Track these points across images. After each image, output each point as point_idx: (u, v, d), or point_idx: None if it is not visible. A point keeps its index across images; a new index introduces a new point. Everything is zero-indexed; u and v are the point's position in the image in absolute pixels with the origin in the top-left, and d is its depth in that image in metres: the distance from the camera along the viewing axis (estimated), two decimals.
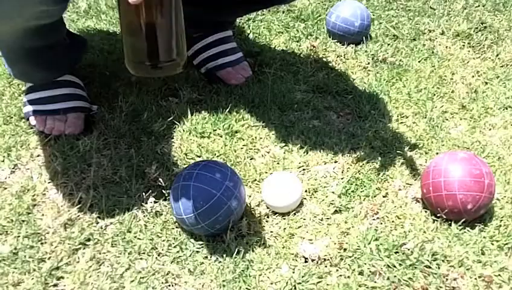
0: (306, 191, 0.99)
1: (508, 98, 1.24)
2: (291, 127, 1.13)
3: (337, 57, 1.35)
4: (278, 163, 1.04)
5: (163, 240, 0.89)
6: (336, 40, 1.39)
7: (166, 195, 0.95)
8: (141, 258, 0.87)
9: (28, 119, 1.10)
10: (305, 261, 0.87)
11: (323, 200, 0.98)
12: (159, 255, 0.88)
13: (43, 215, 0.93)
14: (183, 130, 1.10)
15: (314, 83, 1.25)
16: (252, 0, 1.19)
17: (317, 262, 0.87)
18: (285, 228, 0.92)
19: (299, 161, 1.05)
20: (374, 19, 1.49)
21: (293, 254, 0.88)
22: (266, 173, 1.02)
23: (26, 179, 0.99)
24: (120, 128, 1.08)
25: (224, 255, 0.87)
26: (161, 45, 0.73)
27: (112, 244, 0.89)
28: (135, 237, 0.90)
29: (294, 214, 0.95)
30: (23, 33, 0.91)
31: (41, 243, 0.89)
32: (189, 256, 0.87)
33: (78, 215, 0.93)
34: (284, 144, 1.08)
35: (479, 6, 1.60)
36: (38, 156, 1.04)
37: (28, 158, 1.03)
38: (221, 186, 0.85)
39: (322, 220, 0.94)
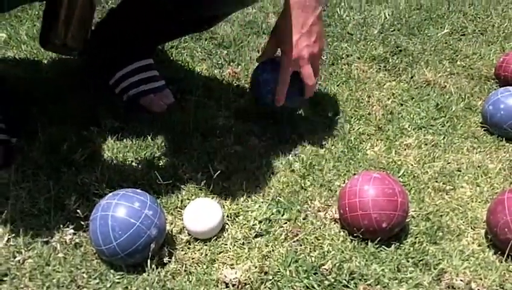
0: (228, 216, 1.00)
1: (422, 118, 1.30)
2: (214, 153, 1.14)
3: None
4: (200, 189, 1.05)
5: (83, 272, 0.88)
6: None
7: (85, 226, 0.94)
8: None
9: None
10: (226, 287, 0.88)
11: (244, 224, 0.99)
12: (78, 288, 0.86)
13: None
14: (105, 159, 1.10)
15: (236, 108, 1.27)
16: (181, 25, 1.21)
17: (238, 287, 0.88)
18: (206, 254, 0.93)
19: (221, 186, 1.06)
20: None
21: (214, 280, 0.89)
22: (188, 199, 1.03)
23: None
24: (39, 160, 1.07)
25: (145, 285, 0.87)
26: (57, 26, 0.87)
27: (30, 278, 0.87)
28: (54, 270, 0.88)
29: (216, 239, 0.96)
30: None
31: None
32: (109, 287, 0.86)
33: None
34: (206, 170, 1.09)
35: (394, 30, 1.68)
36: None
37: None
38: (140, 215, 0.86)
39: (243, 244, 0.96)
